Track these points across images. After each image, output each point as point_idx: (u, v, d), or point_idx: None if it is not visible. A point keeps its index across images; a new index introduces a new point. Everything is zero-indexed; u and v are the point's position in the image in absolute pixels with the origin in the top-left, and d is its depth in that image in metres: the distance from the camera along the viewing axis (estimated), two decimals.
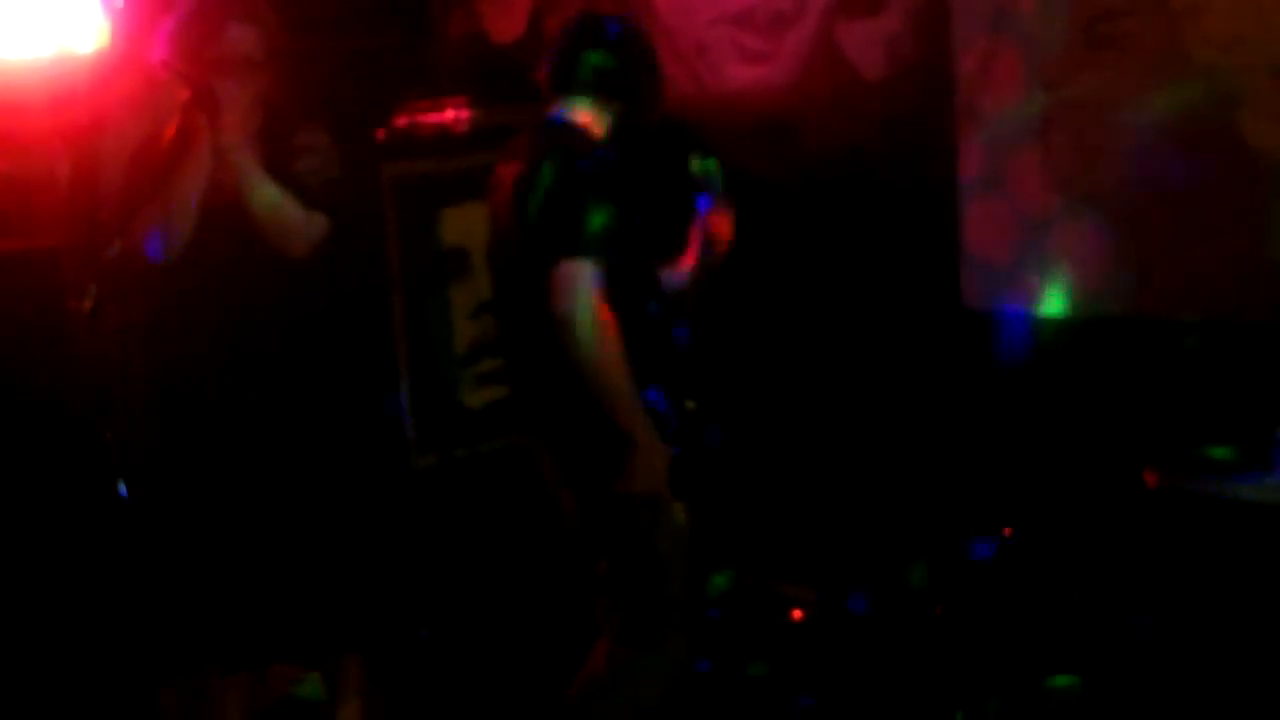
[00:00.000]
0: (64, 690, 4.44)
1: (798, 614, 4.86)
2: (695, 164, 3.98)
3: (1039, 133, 4.60)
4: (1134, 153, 4.39)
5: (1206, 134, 4.21)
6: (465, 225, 5.67)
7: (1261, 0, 4.06)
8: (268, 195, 3.86)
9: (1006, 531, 4.60)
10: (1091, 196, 4.51)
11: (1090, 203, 4.52)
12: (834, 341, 5.20)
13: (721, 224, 4.02)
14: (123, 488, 4.23)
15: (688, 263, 4.05)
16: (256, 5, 3.94)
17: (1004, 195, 4.74)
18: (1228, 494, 3.90)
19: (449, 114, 5.60)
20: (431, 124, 5.59)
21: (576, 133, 3.82)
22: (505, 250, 3.88)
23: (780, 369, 5.27)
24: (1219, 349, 4.20)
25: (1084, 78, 4.46)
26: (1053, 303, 4.63)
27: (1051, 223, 4.61)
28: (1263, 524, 3.81)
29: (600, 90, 3.85)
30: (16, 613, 4.43)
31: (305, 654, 4.18)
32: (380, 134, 5.51)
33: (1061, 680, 4.25)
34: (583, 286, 3.59)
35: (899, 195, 4.99)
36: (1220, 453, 4.00)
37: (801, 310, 5.26)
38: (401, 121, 5.56)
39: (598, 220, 3.63)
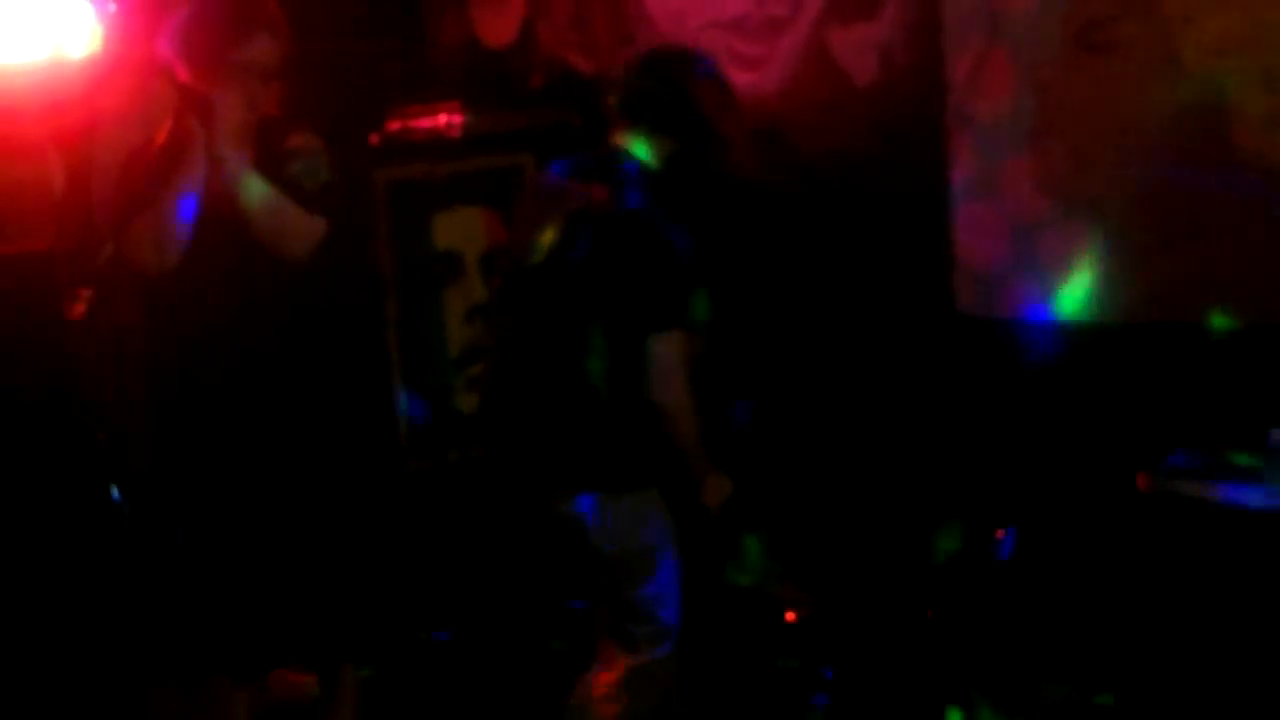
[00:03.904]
0: (58, 696, 4.44)
1: (791, 616, 4.87)
2: None
3: (1031, 138, 4.61)
4: (1126, 158, 4.40)
5: (1198, 140, 4.22)
6: (458, 229, 5.69)
7: (1253, 7, 4.08)
8: (264, 199, 3.85)
9: (998, 534, 4.60)
10: (1083, 202, 4.52)
11: (1082, 208, 4.53)
12: (825, 347, 5.21)
13: None
14: (115, 491, 4.23)
15: None
16: (276, 16, 3.93)
17: (995, 200, 4.74)
18: (1220, 498, 3.90)
19: (442, 119, 5.60)
20: (424, 128, 5.60)
21: (637, 171, 3.87)
22: (547, 279, 3.89)
23: (772, 375, 5.28)
24: (1211, 352, 4.20)
25: (1076, 83, 4.47)
26: (1043, 308, 4.65)
27: (1043, 228, 4.62)
28: (1256, 529, 3.82)
29: (657, 126, 3.89)
30: (9, 619, 4.42)
31: (300, 659, 4.18)
32: (373, 138, 5.52)
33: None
34: (679, 368, 3.77)
35: (891, 200, 5.00)
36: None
37: (793, 316, 5.26)
38: (394, 126, 5.57)
39: (686, 292, 3.80)
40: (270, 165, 3.91)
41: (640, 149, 3.91)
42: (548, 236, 3.89)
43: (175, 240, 3.79)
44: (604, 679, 3.96)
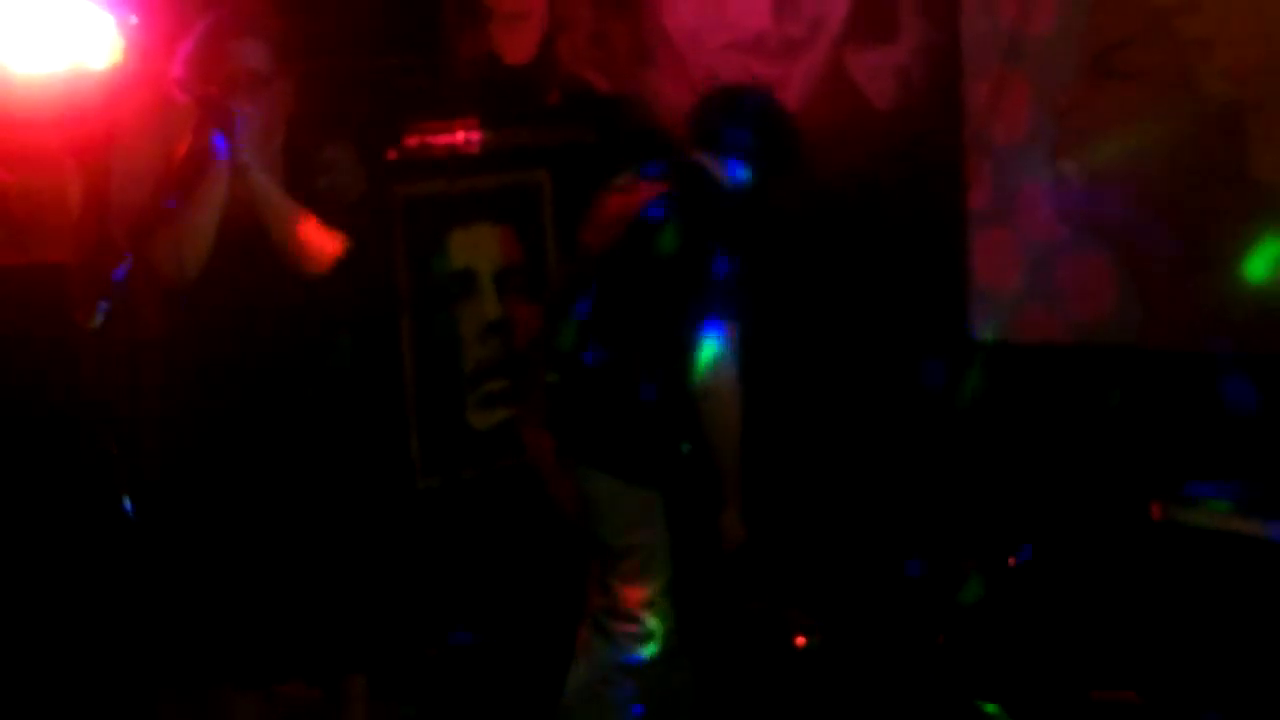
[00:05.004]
0: (68, 703, 4.44)
1: (801, 640, 4.85)
2: None
3: (1048, 162, 4.61)
4: (1142, 184, 4.39)
5: (1215, 166, 4.22)
6: (475, 246, 5.68)
7: (1271, 33, 4.07)
8: (284, 213, 3.85)
9: (1010, 561, 4.59)
10: (1099, 227, 4.51)
11: (1098, 233, 4.52)
12: (840, 369, 5.20)
13: None
14: (127, 502, 4.23)
15: None
16: (264, 21, 3.95)
17: (1012, 225, 4.74)
18: (1233, 527, 3.89)
19: (459, 135, 5.60)
20: (442, 145, 5.60)
21: (714, 184, 4.10)
22: (617, 273, 4.06)
23: (786, 396, 5.27)
24: (1226, 381, 4.19)
25: (1093, 108, 4.46)
26: (1059, 333, 4.64)
27: (1060, 253, 4.61)
28: (1268, 558, 3.81)
29: (735, 154, 4.13)
30: (20, 627, 4.43)
31: (311, 672, 4.18)
32: (391, 154, 5.52)
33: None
34: (732, 359, 3.94)
35: (907, 223, 5.00)
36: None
37: (808, 338, 5.25)
38: (412, 142, 5.57)
39: (743, 291, 3.98)
40: (300, 177, 3.92)
41: (716, 170, 4.11)
42: (625, 224, 4.06)
43: (198, 251, 3.80)
44: (585, 677, 4.01)
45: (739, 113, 4.18)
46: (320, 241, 3.89)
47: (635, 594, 4.01)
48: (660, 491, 4.02)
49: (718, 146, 4.14)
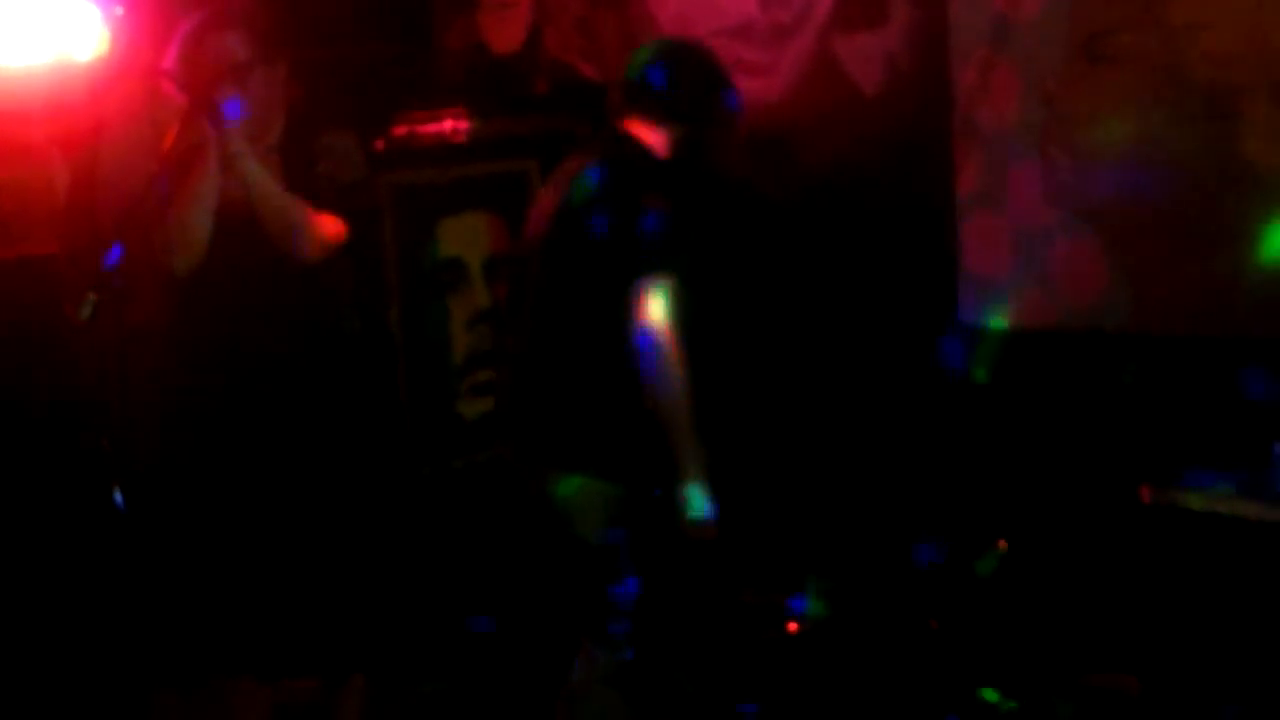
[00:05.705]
0: (63, 701, 4.44)
1: (793, 627, 4.86)
2: None
3: (1037, 148, 4.61)
4: (1132, 168, 4.39)
5: (1204, 151, 4.22)
6: (463, 235, 5.69)
7: (1260, 19, 4.07)
8: (279, 202, 3.85)
9: (1001, 545, 4.60)
10: (1089, 212, 4.51)
11: (1087, 218, 4.52)
12: (830, 355, 5.21)
13: None
14: (119, 496, 4.23)
15: None
16: (250, 12, 3.94)
17: (1001, 210, 4.74)
18: (1223, 510, 3.90)
19: (448, 124, 5.60)
20: (430, 134, 5.60)
21: (642, 150, 3.96)
22: (549, 258, 3.96)
23: (776, 383, 5.27)
24: (1215, 364, 4.20)
25: (1082, 93, 4.47)
26: (1048, 318, 4.64)
27: (1048, 238, 4.62)
28: (1258, 540, 3.82)
29: (661, 110, 3.98)
30: (16, 623, 4.43)
31: (304, 663, 4.18)
32: (379, 143, 5.52)
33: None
34: (665, 316, 3.74)
35: (896, 209, 5.00)
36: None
37: (797, 324, 5.26)
38: (400, 131, 5.57)
39: (680, 248, 3.81)
40: (299, 163, 3.92)
41: (647, 135, 3.98)
42: (553, 210, 3.96)
43: (195, 242, 3.80)
44: (583, 676, 4.02)
45: (650, 65, 4.02)
46: (318, 228, 3.89)
47: (622, 590, 3.99)
48: (626, 483, 3.96)
49: (637, 105, 4.01)
